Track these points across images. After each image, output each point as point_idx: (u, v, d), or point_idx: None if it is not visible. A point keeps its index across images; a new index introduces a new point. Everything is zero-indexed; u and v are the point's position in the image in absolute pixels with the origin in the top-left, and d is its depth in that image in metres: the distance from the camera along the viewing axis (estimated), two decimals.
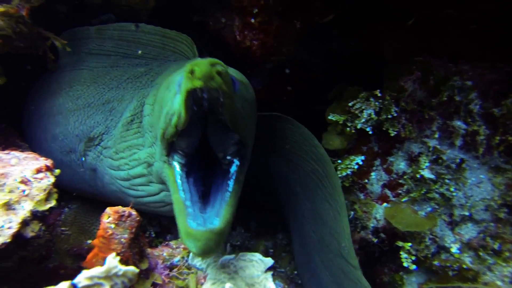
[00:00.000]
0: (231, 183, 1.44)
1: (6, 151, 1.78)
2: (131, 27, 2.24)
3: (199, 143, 1.50)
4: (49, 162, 1.72)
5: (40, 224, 1.51)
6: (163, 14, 2.80)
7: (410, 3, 1.73)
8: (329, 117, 2.01)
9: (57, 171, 1.70)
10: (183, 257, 1.72)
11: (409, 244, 1.65)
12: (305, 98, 2.61)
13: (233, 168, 1.48)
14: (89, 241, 2.12)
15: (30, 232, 1.45)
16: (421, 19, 1.77)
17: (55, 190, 1.63)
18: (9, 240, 1.35)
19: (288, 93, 2.49)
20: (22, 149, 2.01)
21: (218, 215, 1.36)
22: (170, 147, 1.52)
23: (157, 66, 2.10)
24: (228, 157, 1.51)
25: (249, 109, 1.60)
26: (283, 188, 1.98)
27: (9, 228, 1.40)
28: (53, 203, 1.58)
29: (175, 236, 2.22)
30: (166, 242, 2.05)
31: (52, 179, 1.63)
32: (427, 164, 1.70)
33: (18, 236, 1.40)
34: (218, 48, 2.67)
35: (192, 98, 1.24)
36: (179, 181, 1.47)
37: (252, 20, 1.93)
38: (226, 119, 1.35)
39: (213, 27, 2.44)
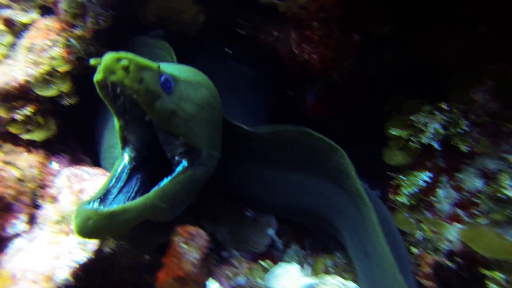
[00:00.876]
0: (164, 180, 1.41)
1: (77, 166, 1.86)
2: None
3: (152, 141, 1.49)
4: None
5: (115, 240, 1.55)
6: (211, 28, 2.87)
7: (485, 8, 1.64)
8: (391, 132, 1.94)
9: None
10: (247, 277, 1.69)
11: (499, 273, 1.50)
12: (359, 111, 2.55)
13: (178, 168, 1.47)
14: (147, 256, 2.15)
15: (108, 249, 1.49)
16: (495, 25, 1.68)
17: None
18: (93, 257, 1.39)
19: (341, 106, 2.44)
20: (87, 164, 2.10)
21: (122, 203, 1.32)
22: (124, 141, 1.52)
23: None
24: (176, 158, 1.50)
25: (196, 111, 1.54)
26: (331, 209, 1.93)
27: (91, 243, 1.44)
28: None
29: (230, 253, 2.21)
30: (226, 259, 2.05)
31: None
32: (508, 182, 1.58)
33: (99, 252, 1.45)
34: (268, 60, 2.70)
35: (105, 91, 1.26)
36: (118, 169, 1.46)
37: (311, 34, 1.91)
38: (152, 118, 1.36)
39: (264, 40, 2.45)
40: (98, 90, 1.28)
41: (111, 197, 1.38)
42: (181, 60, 2.97)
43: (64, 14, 1.99)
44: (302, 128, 1.81)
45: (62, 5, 1.97)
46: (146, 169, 1.54)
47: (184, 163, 1.50)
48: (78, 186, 1.67)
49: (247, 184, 2.09)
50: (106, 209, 1.21)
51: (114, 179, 1.43)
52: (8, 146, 1.85)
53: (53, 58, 1.87)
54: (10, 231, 1.50)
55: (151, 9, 2.39)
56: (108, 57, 1.21)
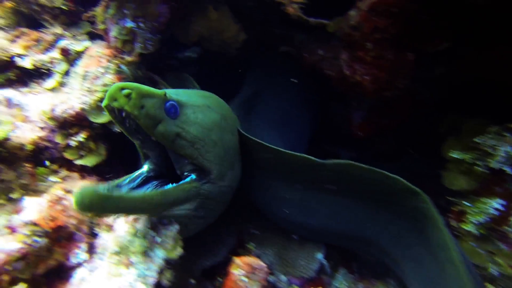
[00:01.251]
0: (169, 185, 1.54)
1: None
2: None
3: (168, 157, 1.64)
4: None
5: (173, 272, 1.53)
6: (251, 47, 2.86)
7: None
8: (451, 155, 1.84)
9: None
10: None
11: None
12: (408, 130, 2.45)
13: (186, 179, 1.60)
14: (193, 281, 2.13)
15: (166, 281, 1.47)
16: None
17: (179, 237, 1.65)
18: None
19: (390, 125, 2.35)
20: None
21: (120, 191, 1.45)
22: (145, 157, 1.70)
23: None
24: (185, 173, 1.63)
25: (203, 134, 1.64)
26: (397, 245, 1.83)
27: (151, 276, 1.43)
28: (180, 251, 1.60)
29: (278, 277, 2.15)
30: (274, 285, 1.99)
31: (177, 226, 1.65)
32: None
33: (158, 285, 1.43)
34: (311, 78, 2.66)
35: (113, 114, 1.47)
36: (135, 173, 1.62)
37: (364, 55, 1.85)
38: (157, 139, 1.52)
39: (309, 59, 2.40)
40: (107, 113, 1.48)
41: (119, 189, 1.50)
42: (219, 78, 3.00)
43: (114, 41, 2.03)
44: (376, 170, 1.65)
45: (113, 33, 2.00)
46: (164, 178, 1.66)
47: (193, 176, 1.62)
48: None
49: (297, 211, 2.02)
50: (104, 192, 1.33)
51: (128, 179, 1.56)
52: (64, 172, 1.89)
53: (105, 85, 1.90)
54: (73, 260, 1.51)
55: (193, 30, 2.40)
56: (114, 86, 1.43)
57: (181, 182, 1.59)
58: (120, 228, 1.63)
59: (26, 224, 1.38)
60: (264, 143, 1.84)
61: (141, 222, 1.65)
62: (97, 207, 1.31)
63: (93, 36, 2.41)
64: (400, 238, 1.75)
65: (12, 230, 1.37)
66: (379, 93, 1.94)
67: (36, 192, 1.59)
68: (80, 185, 1.76)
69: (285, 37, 2.72)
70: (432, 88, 2.27)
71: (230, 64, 2.98)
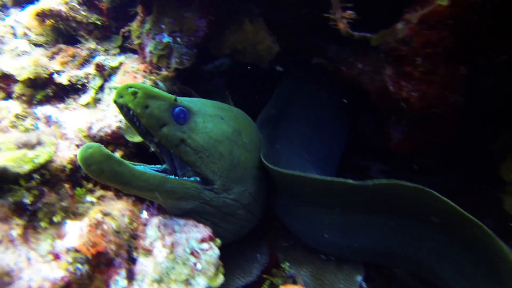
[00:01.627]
0: (172, 176, 1.59)
1: (166, 215, 1.81)
2: None
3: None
4: (209, 231, 1.70)
5: None
6: (283, 58, 2.78)
7: None
8: None
9: (218, 240, 1.66)
10: None
11: None
12: (453, 146, 2.32)
13: (190, 178, 1.64)
14: None
15: None
16: None
17: (221, 263, 1.59)
18: None
19: (433, 141, 2.22)
20: None
21: None
22: (161, 160, 1.77)
23: None
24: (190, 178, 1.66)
25: (210, 144, 1.65)
26: (450, 269, 1.70)
27: None
28: (222, 278, 1.53)
29: None
30: None
31: (217, 251, 1.59)
32: None
33: None
34: (342, 89, 2.56)
35: (122, 111, 1.55)
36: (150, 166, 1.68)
37: (412, 70, 1.74)
38: (160, 141, 1.57)
39: (346, 73, 2.30)
40: (118, 110, 1.57)
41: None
42: (249, 90, 2.93)
43: (149, 56, 1.99)
44: (426, 190, 1.51)
45: (149, 48, 1.96)
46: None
47: (197, 178, 1.66)
48: (170, 239, 1.61)
49: (339, 235, 1.92)
50: (107, 151, 1.39)
51: (141, 165, 1.59)
52: (99, 191, 1.86)
53: None
54: (113, 287, 1.46)
55: (227, 42, 2.34)
56: (123, 85, 1.53)
57: (184, 178, 1.65)
58: (159, 254, 1.58)
59: (69, 250, 1.35)
60: (295, 173, 1.74)
61: (180, 247, 1.60)
62: (97, 164, 1.35)
63: (124, 50, 2.40)
64: (457, 263, 1.63)
65: (56, 256, 1.34)
66: (427, 110, 1.82)
67: (76, 215, 1.56)
68: (117, 207, 1.72)
69: (318, 48, 2.63)
70: (481, 100, 2.13)
71: (260, 76, 2.92)
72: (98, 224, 1.53)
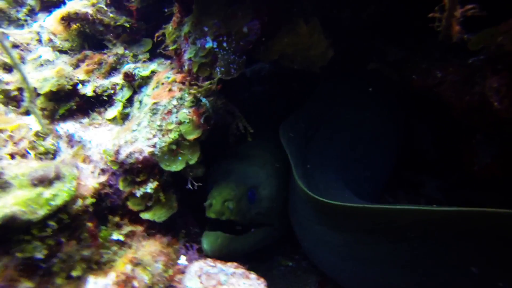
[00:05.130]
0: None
1: (208, 261, 1.47)
2: None
3: None
4: (263, 284, 1.35)
5: None
6: (334, 64, 2.41)
7: None
8: None
9: None
10: None
11: None
12: None
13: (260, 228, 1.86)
14: None
15: None
16: None
17: None
18: None
19: None
20: None
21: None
22: None
23: None
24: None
25: (272, 203, 1.88)
26: None
27: None
28: None
29: None
30: None
31: None
32: None
33: None
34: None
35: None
36: None
37: None
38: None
39: (419, 82, 1.91)
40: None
41: None
42: (294, 98, 2.56)
43: (188, 64, 1.66)
44: None
45: (188, 54, 1.63)
46: None
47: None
48: None
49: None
50: (229, 236, 1.63)
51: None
52: (127, 226, 1.55)
53: (180, 122, 1.53)
54: None
55: (276, 46, 1.97)
56: (217, 203, 1.66)
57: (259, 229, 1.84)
58: None
59: None
60: (335, 202, 1.38)
61: None
62: (226, 250, 1.56)
63: (155, 55, 2.10)
64: None
65: None
66: None
67: (100, 265, 1.25)
68: (149, 250, 1.40)
69: (375, 52, 2.25)
70: None
71: (306, 82, 2.56)
72: (127, 281, 1.20)
